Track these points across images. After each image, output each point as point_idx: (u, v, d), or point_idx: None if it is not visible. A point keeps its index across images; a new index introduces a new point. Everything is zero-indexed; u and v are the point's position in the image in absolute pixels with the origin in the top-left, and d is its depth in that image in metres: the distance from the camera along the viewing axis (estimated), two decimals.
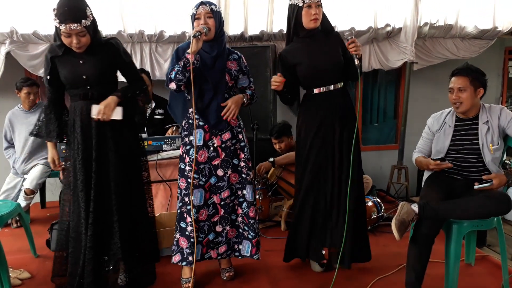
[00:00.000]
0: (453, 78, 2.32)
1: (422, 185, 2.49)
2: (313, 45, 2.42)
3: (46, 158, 3.57)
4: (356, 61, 2.29)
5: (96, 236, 2.17)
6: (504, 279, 2.39)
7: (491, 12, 4.20)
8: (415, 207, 2.13)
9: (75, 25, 1.99)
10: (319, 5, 2.35)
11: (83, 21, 2.01)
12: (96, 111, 2.14)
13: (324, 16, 2.43)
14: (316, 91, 2.45)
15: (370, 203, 3.32)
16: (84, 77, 2.15)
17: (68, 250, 2.23)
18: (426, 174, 2.53)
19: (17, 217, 3.35)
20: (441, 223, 2.18)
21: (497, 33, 4.25)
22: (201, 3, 2.26)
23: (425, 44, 4.26)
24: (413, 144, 4.31)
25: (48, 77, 2.17)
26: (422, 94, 4.62)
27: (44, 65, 2.21)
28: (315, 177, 2.46)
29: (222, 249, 2.45)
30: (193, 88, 2.21)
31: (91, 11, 2.08)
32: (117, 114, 2.17)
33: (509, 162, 2.34)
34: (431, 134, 2.48)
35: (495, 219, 2.31)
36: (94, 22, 2.11)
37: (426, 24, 4.09)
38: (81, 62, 2.15)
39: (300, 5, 2.34)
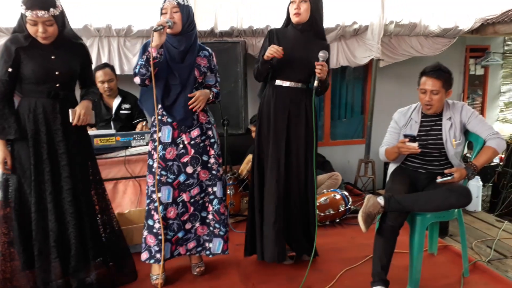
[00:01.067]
0: (425, 79, 2.35)
1: (388, 178, 2.57)
2: (301, 40, 2.44)
3: None
4: (316, 83, 2.37)
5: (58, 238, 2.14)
6: (464, 267, 2.52)
7: (453, 12, 4.37)
8: (380, 200, 2.20)
9: (43, 12, 1.92)
10: (304, 1, 2.35)
11: (51, 9, 1.95)
12: (75, 115, 2.12)
13: (317, 17, 2.42)
14: (279, 82, 2.47)
15: (338, 196, 3.40)
16: (57, 73, 2.08)
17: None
18: (391, 168, 2.61)
19: None
20: (406, 215, 2.26)
21: (458, 32, 4.43)
22: None
23: (391, 42, 4.38)
24: (379, 139, 4.42)
25: (10, 70, 2.03)
26: (388, 90, 4.75)
27: (3, 56, 2.04)
28: (267, 171, 2.50)
29: (191, 245, 2.45)
30: (154, 83, 2.17)
31: (60, 2, 2.02)
32: (92, 118, 2.23)
33: (470, 156, 2.44)
34: (397, 128, 2.54)
35: (456, 210, 2.42)
36: (62, 13, 2.04)
37: (391, 22, 4.20)
38: (53, 57, 2.07)
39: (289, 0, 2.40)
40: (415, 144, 2.30)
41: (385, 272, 2.22)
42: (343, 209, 3.37)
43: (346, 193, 3.52)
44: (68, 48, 2.13)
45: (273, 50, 2.31)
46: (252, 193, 2.59)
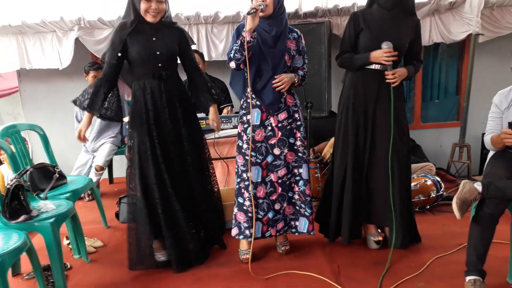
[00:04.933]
0: None
1: (486, 163, 2.39)
2: (388, 19, 2.35)
3: (114, 137, 3.86)
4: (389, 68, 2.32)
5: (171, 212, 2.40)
6: None
7: None
8: (478, 186, 2.06)
9: None
10: None
11: None
12: (216, 127, 2.58)
13: None
14: (368, 66, 2.40)
15: (429, 182, 3.23)
16: (158, 53, 2.29)
17: (136, 222, 2.39)
18: (491, 152, 2.42)
19: (89, 191, 3.64)
20: (507, 203, 2.08)
21: None
22: None
23: (493, 14, 3.97)
24: (476, 121, 4.15)
25: (120, 54, 2.28)
26: (488, 68, 4.34)
27: (112, 42, 2.28)
28: (355, 155, 2.47)
29: (280, 225, 2.53)
30: (248, 67, 2.25)
31: None
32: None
33: None
34: (500, 113, 2.33)
35: None
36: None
37: None
38: (154, 39, 2.29)
39: None
40: None
41: (481, 262, 2.08)
42: (434, 195, 3.21)
43: (438, 179, 3.33)
44: (167, 31, 2.33)
45: (385, 56, 2.30)
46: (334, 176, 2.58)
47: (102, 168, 3.76)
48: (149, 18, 2.23)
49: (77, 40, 3.91)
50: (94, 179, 3.65)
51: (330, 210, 2.59)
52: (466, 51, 4.40)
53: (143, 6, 2.20)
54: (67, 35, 3.92)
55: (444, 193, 3.30)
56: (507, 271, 2.16)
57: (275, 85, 2.33)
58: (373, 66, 2.39)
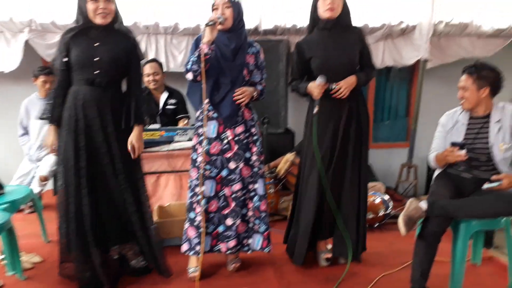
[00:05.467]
0: (461, 76, 2.34)
1: (431, 183, 2.49)
2: (330, 40, 2.40)
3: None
4: (315, 109, 2.38)
5: (99, 224, 2.24)
6: (510, 280, 2.39)
7: (508, 11, 4.14)
8: (423, 204, 2.14)
9: None
10: None
11: None
12: (136, 150, 2.29)
13: (345, 10, 2.40)
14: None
15: (378, 200, 3.33)
16: (96, 59, 2.14)
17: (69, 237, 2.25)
18: (436, 172, 2.53)
19: (30, 203, 3.43)
20: (449, 221, 2.18)
21: None
22: None
23: (440, 42, 4.22)
24: (423, 143, 4.34)
25: (66, 59, 2.16)
26: (435, 93, 4.58)
27: (59, 47, 2.18)
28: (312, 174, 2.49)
29: (232, 243, 2.46)
30: (204, 79, 2.22)
31: None
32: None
33: None
34: (444, 132, 2.46)
35: (503, 219, 2.30)
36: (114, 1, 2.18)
37: (441, 22, 4.04)
38: (96, 44, 2.15)
39: None
40: (463, 152, 2.24)
41: (424, 280, 2.15)
42: (382, 213, 3.30)
43: (387, 198, 3.44)
44: (116, 38, 2.19)
45: (316, 91, 2.37)
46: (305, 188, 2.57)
47: (46, 179, 3.56)
48: (98, 19, 2.11)
49: (27, 43, 3.73)
50: (37, 190, 3.45)
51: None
52: (415, 76, 4.62)
53: (90, 7, 2.09)
54: (16, 37, 3.73)
55: (392, 212, 3.40)
56: None
57: (235, 97, 2.32)
58: (329, 86, 2.41)
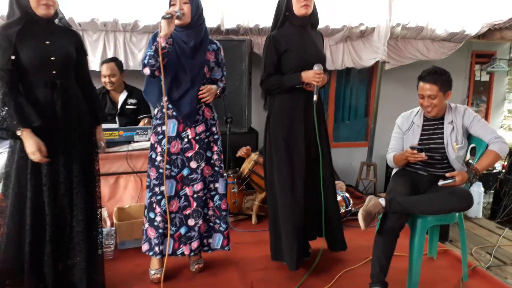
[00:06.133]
0: (422, 84, 2.34)
1: (390, 180, 2.57)
2: (305, 36, 2.42)
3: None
4: (315, 97, 2.36)
5: (56, 234, 2.08)
6: (463, 272, 2.51)
7: (460, 16, 4.35)
8: (382, 201, 2.20)
9: None
10: None
11: None
12: (102, 149, 2.32)
13: (315, 10, 2.45)
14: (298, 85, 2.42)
15: (339, 198, 3.38)
16: (52, 58, 1.98)
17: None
18: (394, 170, 2.61)
19: None
20: (407, 217, 2.26)
21: (465, 36, 4.41)
22: None
23: (397, 45, 4.37)
24: (382, 142, 4.47)
25: (13, 57, 1.92)
26: (392, 93, 4.74)
27: (1, 45, 1.92)
28: (288, 172, 2.45)
29: (195, 244, 2.41)
30: (163, 73, 2.17)
31: None
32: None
33: (472, 162, 2.44)
34: (401, 133, 2.55)
35: (457, 214, 2.41)
36: None
37: (398, 24, 4.18)
38: (47, 42, 1.99)
39: None
40: (423, 154, 2.32)
41: (383, 274, 2.21)
42: (343, 210, 3.36)
43: (347, 195, 3.51)
44: (62, 34, 2.07)
45: (316, 77, 2.34)
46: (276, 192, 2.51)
47: None
48: (41, 10, 1.91)
49: None
50: None
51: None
52: (374, 77, 4.76)
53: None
54: None
55: (353, 209, 3.48)
56: (406, 282, 2.31)
57: (200, 95, 2.29)
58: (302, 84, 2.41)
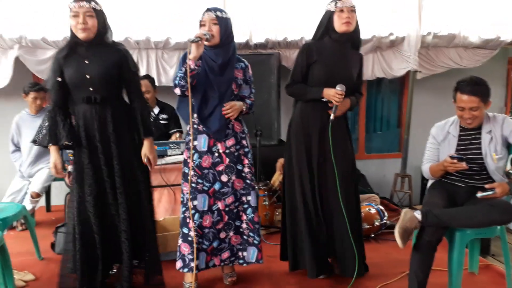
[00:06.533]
0: (461, 96, 2.26)
1: (425, 192, 2.50)
2: (340, 52, 2.42)
3: None
4: (332, 116, 2.37)
5: (105, 242, 2.21)
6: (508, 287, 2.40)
7: (494, 22, 4.23)
8: (418, 214, 2.14)
9: (84, 2, 2.07)
10: (353, 11, 2.35)
11: (93, 3, 2.10)
12: (152, 162, 2.32)
13: (358, 28, 2.43)
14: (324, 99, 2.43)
15: (373, 211, 3.32)
16: (87, 76, 2.14)
17: (75, 253, 2.24)
18: (430, 182, 2.54)
19: (22, 220, 3.37)
20: (444, 231, 2.19)
21: (500, 43, 4.27)
22: (207, 10, 2.26)
23: (428, 53, 4.28)
24: (416, 153, 4.36)
25: (60, 79, 2.16)
26: (425, 103, 4.63)
27: (52, 67, 2.20)
28: (303, 186, 2.48)
29: (225, 255, 2.45)
30: (190, 95, 2.24)
31: (101, 5, 2.16)
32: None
33: None
34: (436, 144, 2.48)
35: (499, 227, 2.31)
36: (103, 14, 2.17)
37: (429, 33, 4.11)
38: (86, 62, 2.15)
39: (332, 10, 2.37)
40: (463, 163, 2.25)
41: None
42: (378, 224, 3.29)
43: (382, 208, 3.44)
44: (105, 52, 2.18)
45: (337, 97, 2.35)
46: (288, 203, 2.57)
47: (38, 195, 3.51)
48: (79, 34, 2.10)
49: (17, 59, 3.71)
50: (29, 207, 3.40)
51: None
52: (405, 87, 4.68)
53: (72, 22, 2.10)
54: (6, 54, 3.72)
55: (388, 222, 3.40)
56: None
57: (224, 112, 2.32)
58: (323, 98, 2.43)
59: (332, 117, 2.38)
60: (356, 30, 2.42)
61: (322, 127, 2.45)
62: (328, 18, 2.40)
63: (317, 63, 2.42)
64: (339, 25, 2.35)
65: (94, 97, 2.16)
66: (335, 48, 2.42)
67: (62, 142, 2.20)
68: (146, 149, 2.29)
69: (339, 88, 2.35)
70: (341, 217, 2.43)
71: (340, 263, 2.54)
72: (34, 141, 2.28)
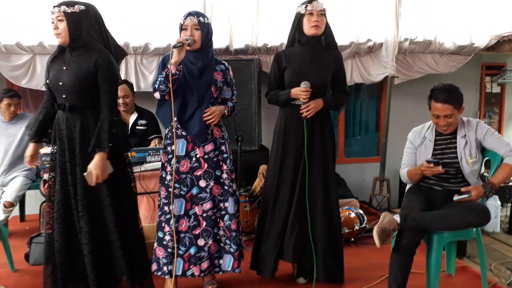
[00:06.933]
0: (435, 104, 2.30)
1: (404, 196, 2.53)
2: (309, 56, 2.45)
3: (27, 170, 3.55)
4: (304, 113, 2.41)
5: (94, 251, 2.13)
6: None
7: (468, 29, 4.35)
8: (397, 217, 2.17)
9: (56, 8, 2.04)
10: (322, 15, 2.38)
11: (63, 6, 2.03)
12: (92, 178, 2.03)
13: (329, 30, 2.47)
14: (297, 102, 2.47)
15: (352, 215, 3.35)
16: (60, 83, 2.10)
17: (55, 262, 2.16)
18: (408, 185, 2.58)
19: None
20: (422, 234, 2.22)
21: (474, 49, 4.39)
22: (189, 14, 2.25)
23: (406, 59, 4.36)
24: (394, 156, 4.42)
25: (48, 82, 2.16)
26: (403, 108, 4.71)
27: (46, 70, 2.22)
28: (282, 188, 2.51)
29: (205, 265, 2.39)
30: (173, 99, 2.22)
31: (81, 7, 2.06)
32: (109, 168, 2.09)
33: (487, 175, 2.40)
34: (413, 148, 2.52)
35: (474, 229, 2.36)
36: (78, 16, 2.04)
37: (406, 39, 4.19)
38: (64, 68, 2.10)
39: (302, 13, 2.39)
40: (439, 167, 2.28)
41: None
42: (358, 227, 3.32)
43: (361, 212, 3.47)
44: (85, 59, 2.08)
45: (302, 94, 2.38)
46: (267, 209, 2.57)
47: (12, 205, 3.40)
48: (56, 37, 2.08)
49: None
50: (1, 217, 3.29)
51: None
52: (383, 92, 4.74)
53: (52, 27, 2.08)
54: None
55: (367, 226, 3.43)
56: None
57: (205, 118, 2.31)
58: (296, 102, 2.47)
59: (304, 114, 2.40)
60: (327, 32, 2.46)
61: (299, 130, 2.46)
62: (298, 20, 2.44)
63: (287, 69, 2.50)
64: (308, 28, 2.39)
65: (64, 105, 2.13)
66: (303, 53, 2.46)
67: (31, 137, 2.26)
68: (91, 164, 2.04)
69: (304, 85, 2.39)
70: (319, 219, 2.46)
71: (316, 268, 2.51)
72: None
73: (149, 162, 3.10)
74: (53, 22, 2.06)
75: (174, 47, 2.13)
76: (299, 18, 2.43)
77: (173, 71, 2.18)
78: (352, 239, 3.32)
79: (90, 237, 2.11)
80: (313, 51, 2.46)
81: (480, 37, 4.37)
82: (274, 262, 2.51)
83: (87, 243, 2.12)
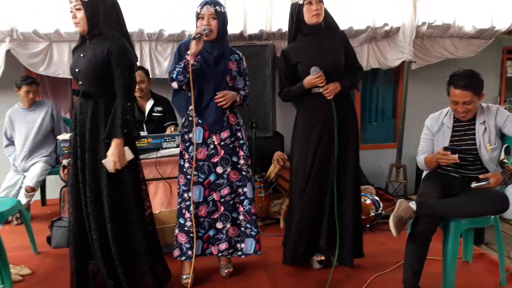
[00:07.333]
0: (454, 90, 2.25)
1: (420, 183, 2.51)
2: (315, 44, 2.43)
3: (47, 156, 3.63)
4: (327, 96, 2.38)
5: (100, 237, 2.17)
6: (501, 276, 2.42)
7: (489, 12, 4.22)
8: (412, 205, 2.15)
9: None
10: (320, 1, 2.37)
11: None
12: (111, 165, 2.04)
13: (327, 14, 2.46)
14: (315, 90, 2.45)
15: (368, 201, 3.34)
16: (76, 70, 2.15)
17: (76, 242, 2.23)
18: (424, 172, 2.55)
19: (17, 214, 3.35)
20: (439, 221, 2.20)
21: (494, 33, 4.27)
22: (206, 3, 2.25)
23: (423, 44, 4.27)
24: (411, 143, 4.38)
25: (77, 70, 2.17)
26: (420, 93, 4.64)
27: None
28: (313, 178, 2.48)
29: (223, 246, 2.46)
30: (192, 90, 2.23)
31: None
32: (129, 155, 2.10)
33: (506, 161, 2.36)
34: (431, 135, 2.49)
35: (493, 217, 2.33)
36: (93, 4, 2.05)
37: (424, 23, 4.10)
38: (82, 55, 2.14)
39: (300, 3, 2.37)
40: (455, 156, 2.25)
41: (416, 279, 2.16)
42: (373, 214, 3.31)
43: (377, 198, 3.46)
44: (100, 45, 2.09)
45: (317, 80, 2.35)
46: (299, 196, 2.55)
47: (33, 189, 3.50)
48: (75, 27, 2.11)
49: (8, 53, 3.67)
50: (24, 201, 3.38)
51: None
52: (400, 77, 4.67)
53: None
54: None
55: (383, 212, 3.42)
56: (440, 286, 2.25)
57: (217, 100, 2.32)
58: (315, 90, 2.44)
59: (328, 97, 2.38)
60: (325, 16, 2.43)
61: (325, 118, 2.44)
62: (296, 11, 2.41)
63: (299, 64, 2.47)
64: (308, 18, 2.38)
65: (79, 91, 2.17)
66: (309, 43, 2.44)
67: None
68: (109, 152, 2.06)
69: (314, 72, 2.37)
70: (346, 205, 2.47)
71: (340, 252, 2.50)
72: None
73: (165, 148, 3.13)
74: (71, 11, 2.07)
75: (193, 38, 2.16)
76: (297, 9, 2.40)
77: (192, 62, 2.20)
78: (368, 225, 3.32)
79: (96, 224, 2.15)
80: (318, 39, 2.44)
81: (501, 20, 4.24)
82: (306, 249, 2.54)
83: (95, 228, 2.16)
